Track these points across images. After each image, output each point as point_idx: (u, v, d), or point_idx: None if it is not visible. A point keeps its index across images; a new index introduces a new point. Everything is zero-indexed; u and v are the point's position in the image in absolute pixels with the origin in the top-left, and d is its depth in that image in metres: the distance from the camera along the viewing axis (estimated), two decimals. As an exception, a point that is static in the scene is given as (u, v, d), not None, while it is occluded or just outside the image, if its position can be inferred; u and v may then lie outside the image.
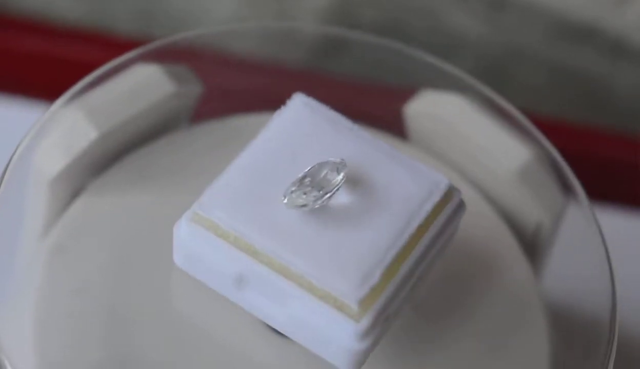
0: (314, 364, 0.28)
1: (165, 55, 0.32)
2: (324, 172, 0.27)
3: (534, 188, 0.32)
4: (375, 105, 0.34)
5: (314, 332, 0.26)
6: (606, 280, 0.30)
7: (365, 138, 0.28)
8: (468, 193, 0.32)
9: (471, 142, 0.32)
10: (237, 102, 0.34)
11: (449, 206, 0.27)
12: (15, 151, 0.30)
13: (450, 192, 0.28)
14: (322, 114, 0.28)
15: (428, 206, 0.27)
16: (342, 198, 0.27)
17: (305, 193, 0.26)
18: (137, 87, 0.31)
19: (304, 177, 0.27)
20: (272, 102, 0.34)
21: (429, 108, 0.33)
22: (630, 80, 0.47)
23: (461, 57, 0.47)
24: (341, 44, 0.38)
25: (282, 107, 0.28)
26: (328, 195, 0.26)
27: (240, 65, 0.37)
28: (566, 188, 0.32)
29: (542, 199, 0.32)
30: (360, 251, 0.26)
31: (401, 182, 0.27)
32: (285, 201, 0.26)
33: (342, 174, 0.26)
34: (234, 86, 0.35)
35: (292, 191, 0.26)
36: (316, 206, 0.26)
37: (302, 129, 0.28)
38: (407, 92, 0.34)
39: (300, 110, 0.28)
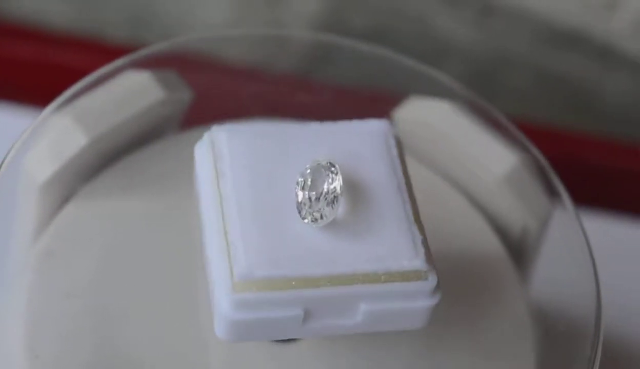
0: (306, 365, 0.28)
1: (155, 62, 0.32)
2: (320, 178, 0.27)
3: (520, 193, 0.32)
4: (364, 112, 0.34)
5: (392, 314, 0.26)
6: (591, 284, 0.30)
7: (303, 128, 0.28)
8: (455, 199, 0.33)
9: (458, 148, 0.32)
10: (227, 108, 0.34)
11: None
12: (5, 157, 0.30)
13: (397, 137, 0.28)
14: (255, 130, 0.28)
15: (398, 167, 0.27)
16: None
17: (318, 211, 0.26)
18: (127, 93, 0.31)
19: (306, 189, 0.26)
20: (262, 108, 0.34)
21: (416, 115, 0.33)
22: (618, 86, 0.47)
23: (450, 63, 0.47)
24: (330, 50, 0.38)
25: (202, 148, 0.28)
26: (337, 201, 0.26)
27: (230, 71, 0.37)
28: (552, 193, 0.32)
29: (529, 204, 0.32)
30: (388, 227, 0.26)
31: (357, 146, 0.28)
32: (307, 221, 0.26)
33: (338, 177, 0.27)
34: (224, 92, 0.35)
35: (307, 211, 0.26)
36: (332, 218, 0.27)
37: (257, 149, 0.27)
38: (395, 98, 0.34)
39: (236, 136, 0.28)
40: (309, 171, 0.26)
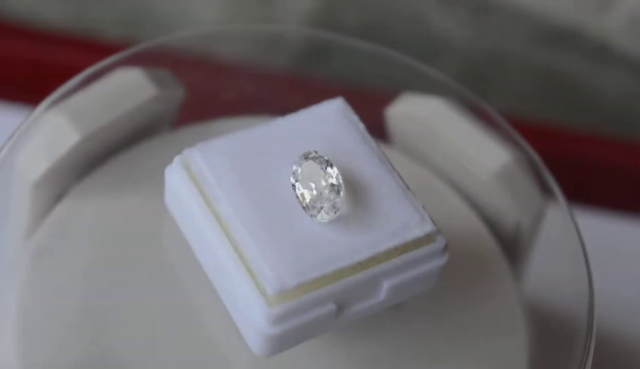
0: (290, 364, 0.28)
1: (148, 59, 0.32)
2: (315, 173, 0.27)
3: (513, 190, 0.32)
4: (358, 108, 0.34)
5: (410, 282, 0.27)
6: (584, 281, 0.30)
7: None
8: (448, 195, 0.33)
9: (451, 145, 0.32)
10: (221, 105, 0.34)
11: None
12: (-2, 155, 0.30)
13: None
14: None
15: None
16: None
17: (329, 203, 0.26)
18: (119, 90, 0.31)
19: (308, 188, 0.27)
20: (255, 105, 0.34)
21: (409, 111, 0.33)
22: (613, 83, 0.47)
23: (445, 61, 0.47)
24: (324, 47, 0.38)
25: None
26: (341, 188, 0.27)
27: (224, 68, 0.37)
28: (545, 190, 0.32)
29: (522, 201, 0.32)
30: (387, 201, 0.27)
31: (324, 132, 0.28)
32: (321, 218, 0.26)
33: (332, 167, 0.27)
34: (217, 89, 0.35)
35: (318, 209, 0.26)
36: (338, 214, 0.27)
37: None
38: (389, 95, 0.34)
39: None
40: (300, 170, 0.26)
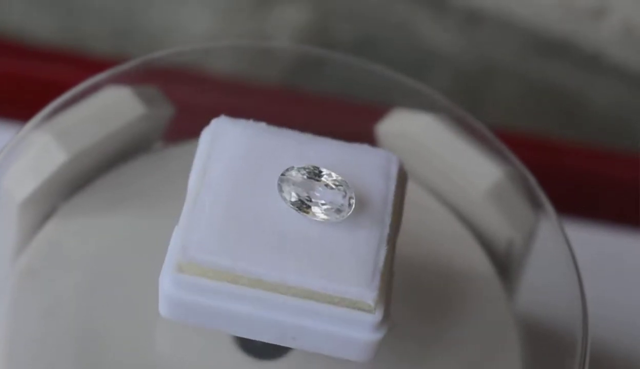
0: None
1: (137, 76, 0.32)
2: (308, 184, 0.26)
3: (505, 206, 0.32)
4: (349, 124, 0.34)
5: (331, 338, 0.26)
6: (577, 296, 0.30)
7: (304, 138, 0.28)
8: (439, 212, 0.32)
9: (442, 161, 0.32)
10: (210, 122, 0.34)
11: (400, 182, 0.27)
12: (-16, 174, 0.30)
13: (401, 170, 0.28)
14: (254, 127, 0.28)
15: (390, 195, 0.27)
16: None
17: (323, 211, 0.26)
18: (107, 109, 0.31)
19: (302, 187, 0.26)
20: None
21: (400, 128, 0.33)
22: (606, 94, 0.47)
23: (437, 73, 0.47)
24: (315, 62, 0.38)
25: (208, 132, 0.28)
26: (345, 184, 0.26)
27: (214, 84, 0.37)
28: (537, 205, 0.32)
29: (514, 217, 0.32)
30: (356, 248, 0.26)
31: (359, 167, 0.27)
32: (323, 216, 0.26)
33: (328, 173, 0.27)
34: (207, 106, 0.35)
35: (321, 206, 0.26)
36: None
37: (250, 144, 0.28)
38: (380, 111, 0.34)
39: (231, 129, 0.28)
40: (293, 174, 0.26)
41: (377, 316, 0.26)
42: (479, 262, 0.31)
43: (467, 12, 0.46)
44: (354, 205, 0.26)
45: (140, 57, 0.33)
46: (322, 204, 0.26)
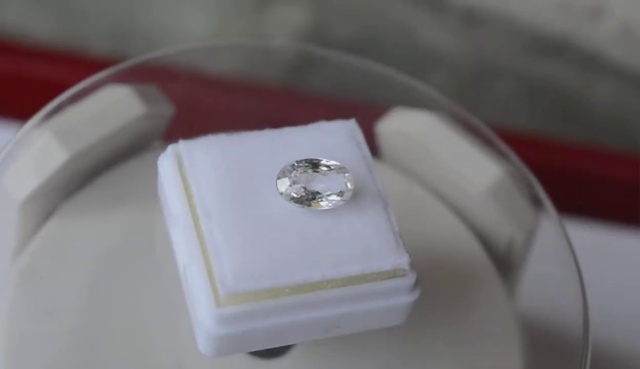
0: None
1: (137, 75, 0.32)
2: (305, 175, 0.26)
3: (505, 205, 0.32)
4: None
5: (372, 313, 0.26)
6: (578, 295, 0.30)
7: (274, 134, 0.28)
8: (440, 211, 0.32)
9: (443, 160, 0.32)
10: (210, 121, 0.34)
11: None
12: (-16, 174, 0.30)
13: (359, 129, 0.28)
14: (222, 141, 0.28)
15: (369, 160, 0.27)
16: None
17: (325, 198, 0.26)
18: (107, 108, 0.31)
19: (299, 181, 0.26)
20: (245, 120, 0.34)
21: (400, 127, 0.33)
22: (605, 94, 0.47)
23: (436, 72, 0.47)
24: (314, 61, 0.38)
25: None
26: (342, 170, 0.26)
27: (214, 83, 0.37)
28: (538, 204, 0.32)
29: (514, 216, 0.32)
30: (369, 225, 0.26)
31: (332, 145, 0.27)
32: (327, 205, 0.26)
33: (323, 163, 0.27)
34: (207, 105, 0.35)
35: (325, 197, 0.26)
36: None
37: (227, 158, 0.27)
38: (380, 110, 0.34)
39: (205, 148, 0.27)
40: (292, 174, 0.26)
41: (413, 276, 0.26)
42: (480, 261, 0.31)
43: (466, 12, 0.46)
44: (353, 185, 0.26)
45: (140, 56, 0.33)
46: (324, 193, 0.26)
